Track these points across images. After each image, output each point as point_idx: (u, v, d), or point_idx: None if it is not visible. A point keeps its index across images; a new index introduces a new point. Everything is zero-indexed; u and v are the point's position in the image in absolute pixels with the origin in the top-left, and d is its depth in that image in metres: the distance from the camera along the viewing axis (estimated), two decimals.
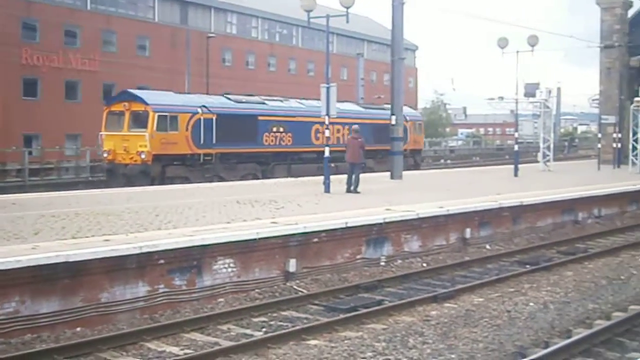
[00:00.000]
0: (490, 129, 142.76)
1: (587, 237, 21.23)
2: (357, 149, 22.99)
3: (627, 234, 22.30)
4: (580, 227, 23.30)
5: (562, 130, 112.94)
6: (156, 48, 55.88)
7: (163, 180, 28.81)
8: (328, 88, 22.61)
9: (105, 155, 30.15)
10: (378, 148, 36.55)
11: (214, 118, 31.00)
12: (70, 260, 11.28)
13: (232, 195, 21.37)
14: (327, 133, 23.18)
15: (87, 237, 13.05)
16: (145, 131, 29.02)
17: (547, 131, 39.36)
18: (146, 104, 29.65)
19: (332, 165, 29.09)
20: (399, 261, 16.93)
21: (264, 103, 34.65)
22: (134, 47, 54.85)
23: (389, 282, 14.95)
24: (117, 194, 22.61)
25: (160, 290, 12.50)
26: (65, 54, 50.08)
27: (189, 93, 33.79)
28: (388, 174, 29.22)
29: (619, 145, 41.31)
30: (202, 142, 30.40)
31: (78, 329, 11.28)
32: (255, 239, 13.97)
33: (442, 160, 66.06)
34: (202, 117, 30.50)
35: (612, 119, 42.93)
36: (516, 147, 36.48)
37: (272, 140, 33.58)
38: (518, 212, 21.05)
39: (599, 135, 44.64)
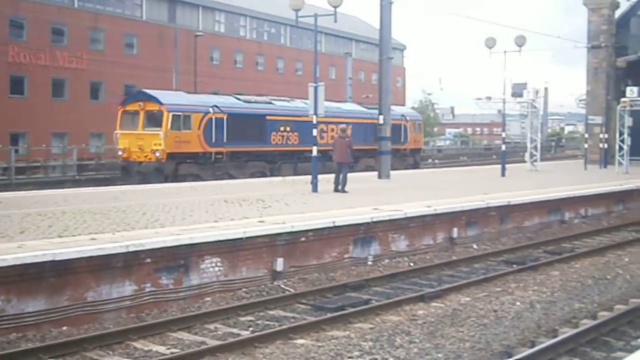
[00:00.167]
0: (478, 129, 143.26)
1: (573, 237, 21.31)
2: (344, 148, 23.00)
3: (613, 234, 22.41)
4: (567, 226, 23.39)
5: (549, 130, 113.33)
6: (144, 46, 55.74)
7: (176, 177, 29.52)
8: (316, 87, 22.61)
9: (120, 153, 31.03)
10: (376, 148, 36.71)
11: (225, 117, 31.87)
12: (57, 259, 11.22)
13: (220, 194, 21.33)
14: (314, 132, 23.18)
15: (73, 235, 12.99)
16: (159, 130, 29.84)
17: (535, 131, 39.49)
18: (161, 103, 30.44)
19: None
20: (387, 260, 16.95)
21: (271, 103, 35.46)
22: (122, 45, 54.72)
23: (376, 281, 14.96)
24: (104, 192, 22.55)
25: (147, 289, 12.46)
26: (53, 52, 49.92)
27: (200, 93, 34.72)
28: (376, 173, 29.24)
29: (606, 145, 41.49)
30: (213, 140, 31.26)
31: (64, 328, 11.23)
32: (242, 238, 13.95)
33: (429, 160, 66.11)
34: (213, 117, 31.36)
35: (598, 120, 43.12)
36: (503, 147, 36.63)
37: (279, 140, 34.42)
38: (505, 211, 21.10)
39: (586, 136, 44.82)
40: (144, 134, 30.30)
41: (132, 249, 12.18)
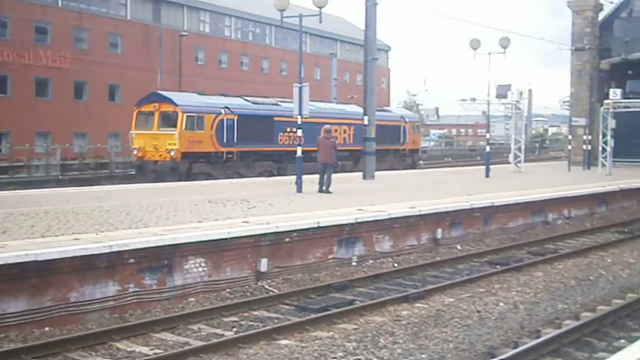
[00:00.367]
0: (462, 130, 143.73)
1: (557, 238, 21.40)
2: (329, 149, 22.98)
3: (596, 235, 22.53)
4: (550, 228, 23.49)
5: (533, 131, 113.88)
6: (128, 46, 55.55)
7: (189, 176, 30.37)
8: (301, 88, 22.60)
9: (135, 152, 32.03)
10: (381, 148, 38.28)
11: (236, 119, 32.87)
12: (39, 259, 11.15)
13: (204, 195, 21.28)
14: (299, 133, 23.15)
15: (56, 235, 12.91)
16: (174, 130, 30.79)
17: (519, 132, 39.64)
18: (175, 104, 31.41)
19: (340, 164, 32.40)
20: (371, 261, 16.96)
21: (278, 105, 36.15)
22: (106, 44, 54.50)
23: (361, 282, 14.97)
24: (88, 192, 22.45)
25: (130, 290, 12.41)
26: (36, 51, 49.68)
27: (212, 94, 35.39)
28: (360, 174, 29.27)
29: (589, 147, 41.73)
30: (225, 140, 32.22)
31: (47, 328, 11.16)
32: (226, 239, 13.92)
33: None
34: (225, 118, 32.33)
35: (582, 121, 43.35)
36: (488, 148, 36.73)
37: (286, 140, 35.24)
38: (489, 212, 21.16)
39: (570, 137, 45.03)
40: (159, 134, 31.24)
41: (115, 249, 12.12)
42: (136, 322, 11.62)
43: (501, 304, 13.28)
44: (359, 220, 16.76)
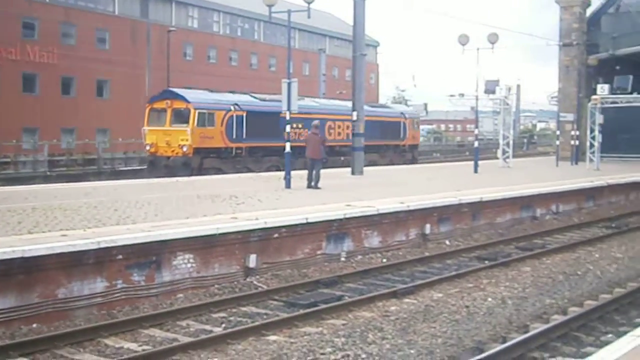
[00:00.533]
0: (451, 126, 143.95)
1: (545, 233, 21.47)
2: (317, 144, 22.99)
3: (583, 230, 22.61)
4: (538, 223, 23.56)
5: (521, 127, 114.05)
6: (116, 41, 55.32)
7: (201, 171, 31.04)
8: (289, 83, 22.58)
9: (147, 148, 32.72)
10: (382, 143, 42.30)
11: (245, 115, 33.68)
12: (27, 255, 11.11)
13: (193, 191, 21.24)
14: (287, 129, 23.14)
15: (43, 232, 12.87)
16: (187, 126, 31.56)
17: (507, 128, 39.73)
18: (187, 101, 32.20)
19: (342, 158, 36.30)
20: (359, 257, 16.97)
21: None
22: (94, 40, 54.25)
23: (349, 277, 14.98)
24: (76, 188, 22.35)
25: (119, 286, 12.37)
26: (23, 47, 49.41)
27: (221, 91, 36.37)
28: (349, 169, 29.29)
29: (577, 142, 41.89)
30: (234, 136, 33.12)
31: (34, 325, 11.12)
32: (215, 235, 13.90)
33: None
34: (234, 114, 33.22)
35: (570, 117, 43.50)
36: (476, 144, 36.76)
37: (292, 135, 34.87)
38: (477, 208, 21.21)
39: (558, 133, 45.22)
40: (172, 130, 31.98)
41: (103, 245, 12.08)
42: (124, 318, 11.60)
43: (489, 299, 13.31)
44: (347, 216, 16.77)
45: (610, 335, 10.88)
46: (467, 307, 12.66)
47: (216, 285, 13.79)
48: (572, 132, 42.27)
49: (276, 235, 15.17)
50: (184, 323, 11.60)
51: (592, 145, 38.40)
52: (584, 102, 42.63)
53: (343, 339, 10.65)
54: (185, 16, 62.86)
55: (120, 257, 12.40)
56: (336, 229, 16.55)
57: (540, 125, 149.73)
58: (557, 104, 47.86)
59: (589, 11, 48.11)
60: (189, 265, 13.49)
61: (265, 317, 11.95)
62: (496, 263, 16.54)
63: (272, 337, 10.80)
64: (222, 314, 12.12)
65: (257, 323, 11.36)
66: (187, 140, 31.38)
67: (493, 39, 33.16)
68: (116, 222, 14.34)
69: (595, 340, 10.84)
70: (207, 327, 11.40)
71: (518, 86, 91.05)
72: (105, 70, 53.16)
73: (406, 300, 13.15)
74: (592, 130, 38.46)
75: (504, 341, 10.60)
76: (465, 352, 10.27)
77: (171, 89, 35.23)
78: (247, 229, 14.56)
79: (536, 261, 17.14)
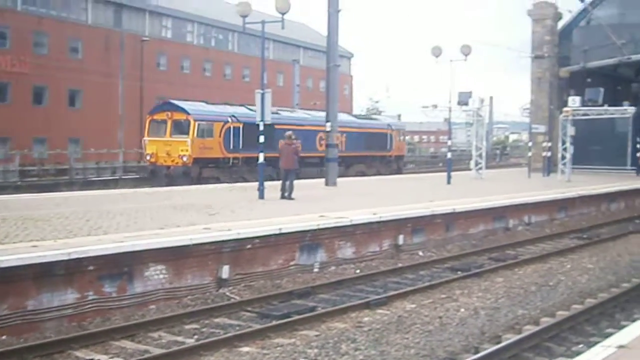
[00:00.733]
0: (425, 137, 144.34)
1: (517, 244, 21.57)
2: (291, 155, 22.97)
3: (555, 241, 22.76)
4: (511, 234, 23.68)
5: (494, 138, 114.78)
6: (89, 51, 55.04)
7: (199, 180, 31.92)
8: (263, 94, 22.56)
9: (148, 158, 34.14)
10: (369, 154, 44.59)
11: (241, 126, 34.69)
12: None
13: (166, 201, 21.13)
14: (261, 139, 23.08)
15: (14, 242, 12.72)
16: (187, 137, 32.92)
17: (480, 139, 39.93)
18: (188, 113, 33.55)
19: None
20: (333, 267, 16.95)
21: (277, 113, 38.00)
22: (67, 49, 53.93)
23: (322, 288, 14.95)
24: (47, 199, 22.15)
25: (90, 297, 12.25)
26: None
27: (219, 103, 37.44)
28: (322, 180, 29.27)
29: (549, 153, 42.19)
30: (231, 147, 34.23)
31: (4, 337, 10.96)
32: (188, 245, 13.82)
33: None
34: (232, 126, 34.37)
35: (542, 128, 43.85)
36: (449, 155, 36.94)
37: None
38: (450, 219, 21.28)
39: (530, 144, 45.53)
40: (172, 141, 33.27)
41: (74, 256, 11.96)
42: (95, 330, 11.47)
43: (462, 309, 13.34)
44: (321, 227, 16.76)
45: (581, 346, 10.95)
46: (440, 317, 12.68)
47: (189, 297, 13.70)
48: (544, 144, 42.60)
49: (249, 246, 15.11)
50: (155, 334, 11.51)
51: (563, 157, 38.71)
52: (556, 114, 42.96)
53: (316, 350, 10.63)
54: (159, 26, 62.71)
55: (91, 268, 12.28)
56: (309, 239, 16.53)
57: (512, 137, 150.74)
58: (529, 116, 48.19)
59: (561, 24, 48.56)
60: (161, 276, 13.39)
61: (237, 328, 11.89)
62: (469, 274, 16.59)
63: (245, 349, 10.74)
64: (194, 326, 12.04)
65: (229, 334, 11.30)
66: (187, 150, 32.54)
67: (466, 50, 33.37)
68: (88, 233, 14.22)
69: (566, 350, 10.90)
70: (179, 339, 11.32)
71: (491, 98, 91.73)
72: (78, 80, 52.83)
73: (379, 311, 13.14)
74: (563, 142, 38.78)
75: (477, 352, 10.63)
76: None
77: (171, 101, 36.25)
78: (220, 239, 14.49)
79: (509, 272, 17.21)
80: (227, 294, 14.14)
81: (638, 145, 46.57)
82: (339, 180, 29.80)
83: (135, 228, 15.11)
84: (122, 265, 12.75)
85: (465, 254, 19.71)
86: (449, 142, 38.83)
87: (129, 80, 53.42)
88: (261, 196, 22.40)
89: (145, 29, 60.37)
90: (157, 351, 10.53)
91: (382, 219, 18.58)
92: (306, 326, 11.99)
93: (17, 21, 50.15)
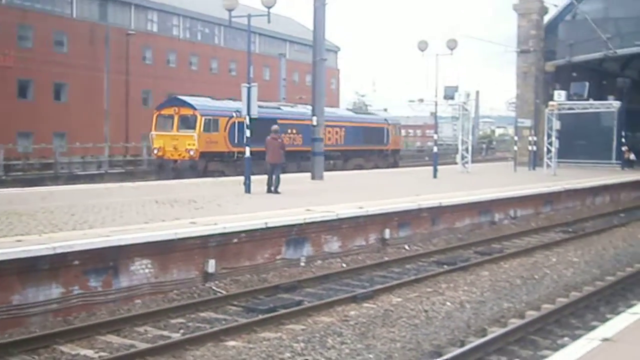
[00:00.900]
0: (411, 131, 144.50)
1: (503, 238, 21.66)
2: (277, 149, 22.96)
3: (541, 235, 22.86)
4: (496, 227, 23.76)
5: (480, 132, 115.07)
6: (74, 44, 54.70)
7: (205, 173, 32.90)
8: (249, 88, 22.51)
9: (155, 152, 35.13)
10: (367, 148, 45.77)
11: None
12: None
13: (151, 195, 21.06)
14: (247, 133, 23.04)
15: None
16: (193, 132, 33.88)
17: (466, 133, 40.06)
18: (194, 108, 34.53)
19: (331, 162, 38.65)
20: (319, 262, 16.96)
21: (279, 108, 39.58)
22: (51, 42, 53.57)
23: (309, 282, 14.95)
24: (32, 193, 22.05)
25: (75, 292, 12.20)
26: None
27: (223, 99, 38.01)
28: (309, 174, 29.27)
29: (535, 148, 42.34)
30: (236, 141, 34.53)
31: None
32: (173, 240, 13.79)
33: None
34: (236, 120, 34.35)
35: (527, 123, 43.98)
36: (435, 149, 36.96)
37: (287, 141, 36.99)
38: (437, 213, 21.33)
39: (515, 138, 45.65)
40: (179, 135, 34.22)
41: (59, 250, 11.91)
42: (81, 324, 11.43)
43: (448, 303, 13.38)
44: (307, 221, 16.75)
45: (566, 339, 11.00)
46: (425, 311, 12.71)
47: (174, 291, 13.67)
48: (530, 138, 42.74)
49: (235, 240, 15.09)
50: (141, 329, 11.48)
51: (549, 151, 38.88)
52: (542, 108, 43.13)
53: (302, 344, 10.63)
54: (144, 20, 62.39)
55: (76, 262, 12.23)
56: (296, 233, 16.52)
57: (499, 131, 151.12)
58: (515, 110, 48.33)
59: (547, 18, 48.70)
60: (146, 270, 13.36)
61: (224, 322, 11.88)
62: (455, 267, 16.64)
63: (231, 343, 10.73)
64: (180, 320, 12.02)
65: (215, 329, 11.29)
66: (193, 144, 33.50)
67: (452, 44, 33.43)
68: (73, 227, 14.16)
69: (552, 343, 10.95)
70: (165, 333, 11.30)
71: (477, 92, 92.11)
72: (63, 74, 52.49)
73: (365, 305, 13.16)
74: (549, 136, 38.95)
75: (462, 345, 10.66)
76: (424, 356, 10.32)
77: (178, 96, 36.99)
78: (206, 234, 14.47)
79: (494, 265, 17.27)
80: (214, 288, 14.12)
81: (623, 140, 46.89)
82: (326, 174, 29.78)
83: (121, 222, 15.05)
84: (108, 260, 12.71)
85: (451, 247, 19.77)
86: (436, 136, 38.83)
87: (115, 74, 53.12)
88: (247, 190, 22.38)
89: (131, 23, 60.05)
90: (143, 346, 10.51)
91: (368, 213, 18.60)
92: (292, 320, 12.00)
93: (0, 14, 49.75)
